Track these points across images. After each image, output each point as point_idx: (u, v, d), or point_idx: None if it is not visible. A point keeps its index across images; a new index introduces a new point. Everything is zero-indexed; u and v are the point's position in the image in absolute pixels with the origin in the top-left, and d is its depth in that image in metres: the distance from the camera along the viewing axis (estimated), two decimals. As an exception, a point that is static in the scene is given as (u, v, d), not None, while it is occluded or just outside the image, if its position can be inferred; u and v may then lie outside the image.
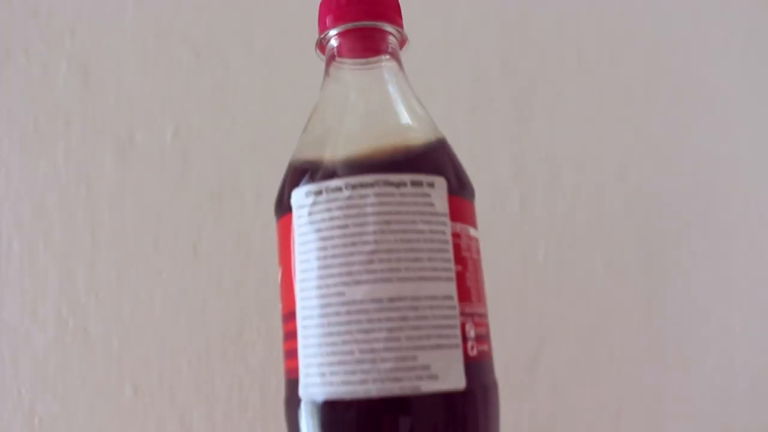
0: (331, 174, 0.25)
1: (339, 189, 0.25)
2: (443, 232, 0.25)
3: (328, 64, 0.29)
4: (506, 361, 0.54)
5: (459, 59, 0.57)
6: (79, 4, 0.52)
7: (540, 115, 0.57)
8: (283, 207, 0.27)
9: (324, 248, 0.25)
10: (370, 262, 0.24)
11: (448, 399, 0.24)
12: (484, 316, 0.27)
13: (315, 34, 0.58)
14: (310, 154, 0.27)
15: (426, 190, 0.25)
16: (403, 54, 0.30)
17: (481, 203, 0.55)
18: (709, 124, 0.62)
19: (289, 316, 0.26)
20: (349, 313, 0.24)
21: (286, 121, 0.53)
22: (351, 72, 0.29)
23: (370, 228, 0.24)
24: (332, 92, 0.29)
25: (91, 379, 0.49)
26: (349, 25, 0.28)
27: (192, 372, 0.49)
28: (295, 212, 0.26)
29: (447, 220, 0.26)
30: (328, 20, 0.29)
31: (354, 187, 0.25)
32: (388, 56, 0.29)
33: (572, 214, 0.57)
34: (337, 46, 0.29)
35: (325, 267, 0.25)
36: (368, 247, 0.24)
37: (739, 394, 0.58)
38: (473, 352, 0.25)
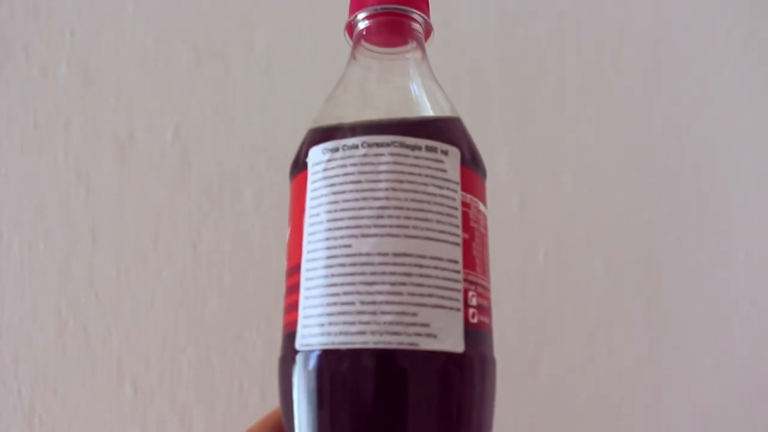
0: (348, 133, 0.26)
1: (355, 147, 0.25)
2: (453, 198, 0.26)
3: (354, 47, 0.30)
4: (506, 361, 0.54)
5: (459, 59, 0.57)
6: (79, 3, 0.52)
7: (540, 115, 0.57)
8: (299, 166, 0.27)
9: (335, 202, 0.25)
10: (380, 217, 0.24)
11: (444, 359, 0.24)
12: (487, 289, 0.27)
13: (314, 35, 0.58)
14: (329, 120, 0.28)
15: (440, 156, 0.26)
16: (428, 46, 0.31)
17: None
18: (709, 124, 0.62)
19: (294, 270, 0.26)
20: (354, 264, 0.24)
21: (285, 120, 0.53)
22: (376, 60, 0.29)
23: (383, 185, 0.25)
24: (356, 75, 0.30)
25: (91, 378, 0.49)
26: (378, 8, 0.28)
27: (192, 372, 0.49)
28: (311, 168, 0.26)
29: (458, 188, 0.26)
30: (357, 2, 0.29)
31: (370, 145, 0.25)
32: (414, 44, 0.29)
33: (572, 214, 0.57)
34: (365, 30, 0.29)
35: (335, 219, 0.25)
36: (379, 203, 0.24)
37: (738, 393, 0.58)
38: (474, 320, 0.25)
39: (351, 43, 0.30)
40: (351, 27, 0.30)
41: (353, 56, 0.30)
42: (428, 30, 0.30)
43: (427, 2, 0.30)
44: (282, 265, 0.53)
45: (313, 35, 0.54)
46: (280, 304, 0.27)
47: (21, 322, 0.49)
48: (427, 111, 0.29)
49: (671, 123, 0.61)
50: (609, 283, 0.56)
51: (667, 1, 0.62)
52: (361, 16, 0.29)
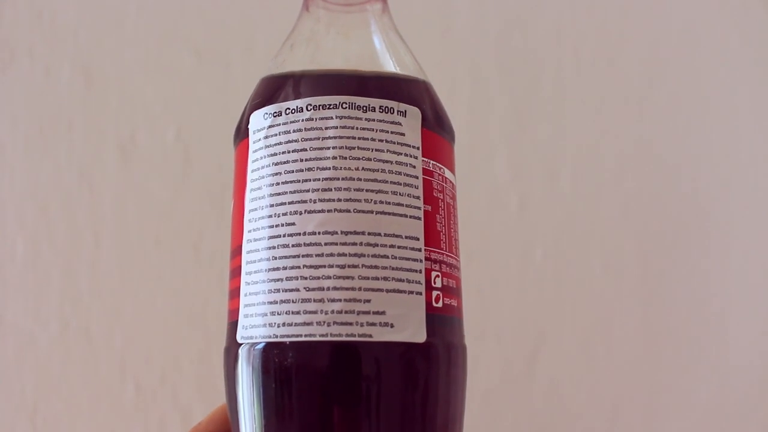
0: (292, 94, 0.23)
1: (300, 110, 0.22)
2: (412, 166, 0.22)
3: None
4: (504, 360, 0.54)
5: (458, 59, 0.57)
6: (82, 6, 0.53)
7: (539, 116, 0.58)
8: (240, 132, 0.24)
9: (278, 173, 0.22)
10: (327, 190, 0.21)
11: (403, 351, 0.21)
12: (455, 267, 0.23)
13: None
14: (273, 78, 0.25)
15: (397, 118, 0.22)
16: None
17: (480, 204, 0.56)
18: (708, 125, 0.62)
19: (236, 251, 0.23)
20: (298, 245, 0.21)
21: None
22: (332, 13, 0.26)
23: (330, 153, 0.21)
24: (309, 30, 0.26)
25: (93, 378, 0.49)
26: None
27: (194, 371, 0.50)
28: (252, 136, 0.23)
29: (418, 153, 0.23)
30: None
31: (316, 108, 0.22)
32: None
33: (571, 214, 0.57)
34: None
35: (277, 194, 0.22)
36: (325, 174, 0.21)
37: (736, 394, 0.58)
38: (438, 304, 0.22)
39: None
40: None
41: (305, 7, 0.27)
42: None
43: None
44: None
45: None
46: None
47: (24, 322, 0.49)
48: (390, 68, 0.25)
49: (669, 124, 0.61)
50: (607, 284, 0.57)
51: (666, 2, 0.63)
52: None
